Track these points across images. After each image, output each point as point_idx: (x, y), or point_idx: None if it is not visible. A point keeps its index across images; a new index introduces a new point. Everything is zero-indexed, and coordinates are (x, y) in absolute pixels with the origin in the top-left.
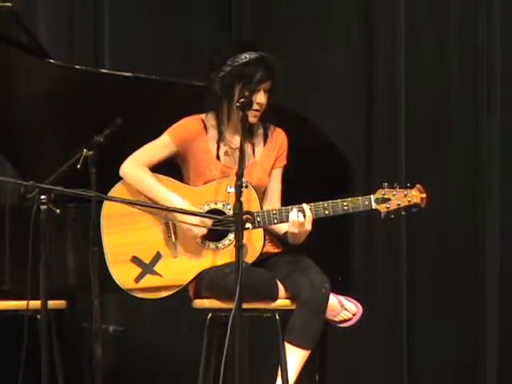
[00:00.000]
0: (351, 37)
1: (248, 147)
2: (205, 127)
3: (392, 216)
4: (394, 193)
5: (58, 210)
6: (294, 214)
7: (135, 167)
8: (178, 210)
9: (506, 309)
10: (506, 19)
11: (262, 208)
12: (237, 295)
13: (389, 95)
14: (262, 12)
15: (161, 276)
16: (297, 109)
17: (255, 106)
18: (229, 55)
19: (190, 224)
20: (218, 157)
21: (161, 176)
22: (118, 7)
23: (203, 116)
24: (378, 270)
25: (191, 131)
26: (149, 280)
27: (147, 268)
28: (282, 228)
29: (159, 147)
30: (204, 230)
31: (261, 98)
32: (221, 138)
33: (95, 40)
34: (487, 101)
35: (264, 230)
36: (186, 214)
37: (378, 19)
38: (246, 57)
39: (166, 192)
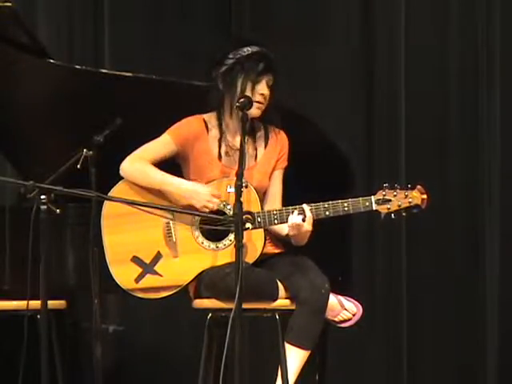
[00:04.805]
0: (351, 36)
1: (250, 149)
2: (206, 127)
3: (393, 216)
4: (395, 194)
5: (58, 210)
6: (293, 216)
7: (136, 162)
8: (179, 210)
9: (506, 309)
10: (506, 19)
11: (262, 208)
12: (237, 295)
13: (389, 95)
14: (262, 11)
15: (161, 276)
16: (297, 109)
17: (258, 98)
18: (230, 50)
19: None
20: (219, 157)
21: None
22: (118, 7)
23: (205, 116)
24: (378, 270)
25: (192, 131)
26: (149, 280)
27: (147, 268)
28: (284, 229)
29: (159, 146)
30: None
31: (263, 88)
32: (222, 138)
33: (95, 40)
34: (487, 101)
35: (265, 230)
36: (186, 214)
37: (377, 19)
38: (248, 50)
39: (169, 177)
